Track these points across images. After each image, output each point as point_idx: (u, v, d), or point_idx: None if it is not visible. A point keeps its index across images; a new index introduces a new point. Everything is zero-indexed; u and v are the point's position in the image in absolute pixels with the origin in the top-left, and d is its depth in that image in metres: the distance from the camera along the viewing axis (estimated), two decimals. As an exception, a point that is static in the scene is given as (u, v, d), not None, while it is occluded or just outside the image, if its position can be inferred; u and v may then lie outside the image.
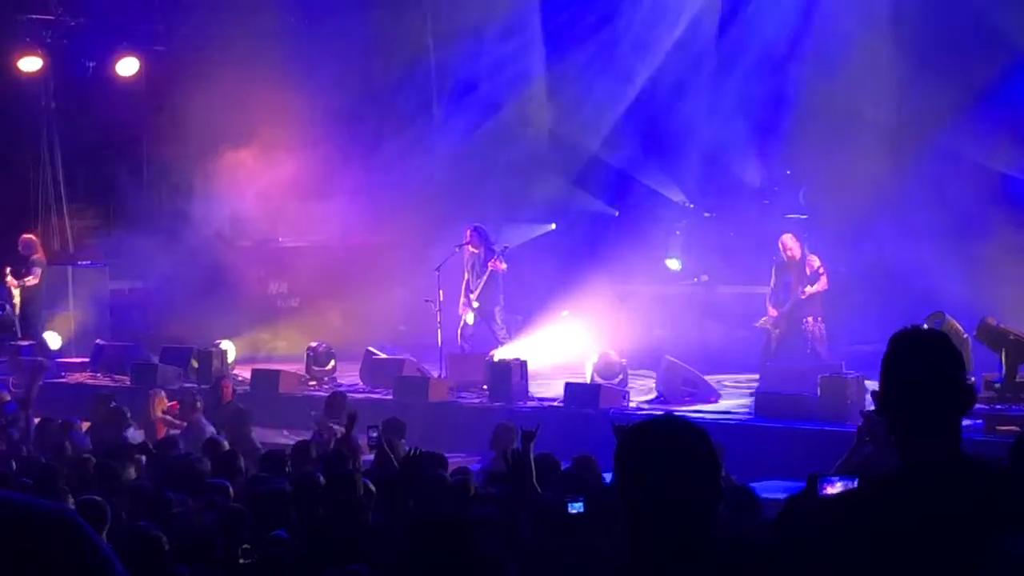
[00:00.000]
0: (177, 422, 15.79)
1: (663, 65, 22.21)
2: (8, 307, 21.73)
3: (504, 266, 18.94)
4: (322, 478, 9.36)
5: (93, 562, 1.91)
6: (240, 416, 15.04)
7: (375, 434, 11.63)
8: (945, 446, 3.56)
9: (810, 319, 17.21)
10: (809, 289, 17.18)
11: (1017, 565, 3.15)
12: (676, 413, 15.43)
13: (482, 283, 18.95)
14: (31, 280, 21.84)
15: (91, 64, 23.90)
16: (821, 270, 17.19)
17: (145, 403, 16.28)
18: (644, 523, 3.28)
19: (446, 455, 12.62)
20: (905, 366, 3.62)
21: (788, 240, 17.50)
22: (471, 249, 19.13)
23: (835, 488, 8.38)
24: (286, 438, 15.23)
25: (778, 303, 17.44)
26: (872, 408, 12.94)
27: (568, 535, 7.76)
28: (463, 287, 19.18)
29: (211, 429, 14.73)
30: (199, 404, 15.61)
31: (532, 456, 9.19)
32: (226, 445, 12.38)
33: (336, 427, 13.96)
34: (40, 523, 1.89)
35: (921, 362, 3.61)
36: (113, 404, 15.89)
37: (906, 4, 19.50)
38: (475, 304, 18.98)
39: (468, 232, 19.19)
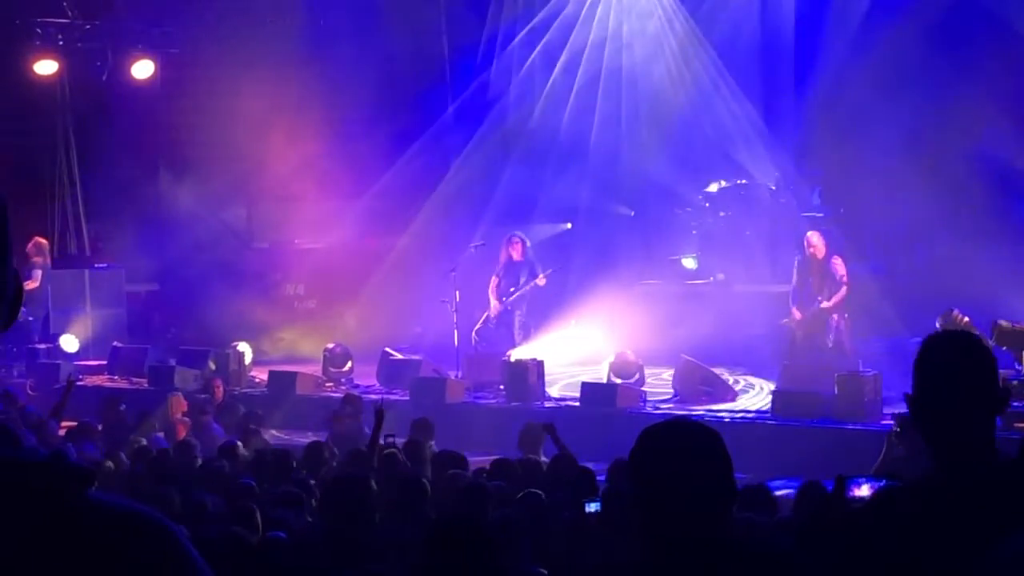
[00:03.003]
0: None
1: (677, 64, 22.21)
2: (23, 311, 21.74)
3: (544, 283, 19.10)
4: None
5: (182, 566, 1.92)
6: (248, 419, 15.06)
7: (390, 439, 11.68)
8: (977, 447, 3.51)
9: (836, 316, 17.15)
10: (826, 305, 17.09)
11: (1005, 568, 3.13)
12: (693, 412, 15.50)
13: (521, 291, 19.05)
14: (31, 284, 21.84)
15: (106, 67, 23.95)
16: (840, 275, 17.11)
17: (163, 405, 16.30)
18: (657, 524, 3.30)
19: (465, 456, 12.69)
20: (936, 366, 3.56)
21: (814, 237, 17.37)
22: (514, 256, 19.21)
23: (862, 490, 8.40)
24: (308, 439, 15.28)
25: (802, 306, 17.35)
26: (904, 411, 12.96)
27: (585, 535, 7.77)
28: (492, 287, 19.24)
29: (220, 431, 14.80)
30: (210, 409, 15.69)
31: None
32: (241, 449, 12.39)
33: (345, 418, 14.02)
34: (131, 525, 1.91)
35: (951, 362, 3.56)
36: (122, 407, 15.94)
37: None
38: (507, 303, 19.11)
39: (516, 240, 19.27)
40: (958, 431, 3.51)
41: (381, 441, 11.73)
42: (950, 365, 3.56)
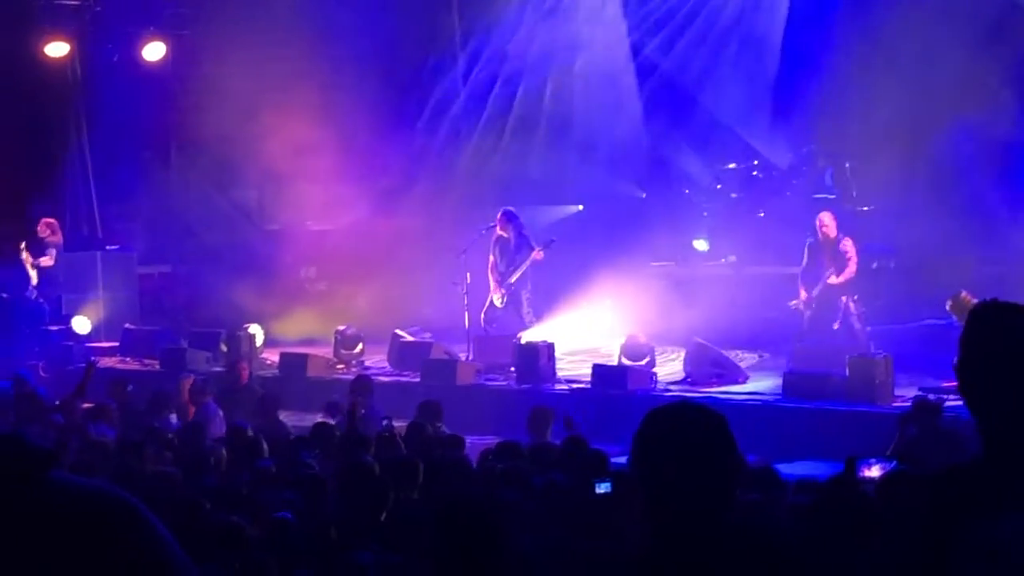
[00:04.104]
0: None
1: (690, 45, 22.16)
2: (34, 291, 21.80)
3: (542, 256, 18.95)
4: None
5: (146, 539, 1.91)
6: (266, 402, 15.04)
7: (385, 422, 11.70)
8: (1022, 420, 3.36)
9: (844, 297, 17.10)
10: (833, 280, 17.02)
11: (991, 554, 3.09)
12: (704, 394, 15.48)
13: (520, 270, 18.95)
14: (46, 260, 21.88)
15: (117, 49, 23.95)
16: (849, 256, 17.05)
17: (175, 387, 16.31)
18: (661, 506, 3.29)
19: (475, 438, 12.72)
20: (986, 340, 3.43)
21: (826, 217, 17.30)
22: (500, 232, 19.14)
23: (872, 471, 8.40)
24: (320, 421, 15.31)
25: (810, 285, 17.30)
26: (921, 394, 12.93)
27: (595, 517, 7.76)
28: (489, 268, 19.19)
29: (220, 414, 14.83)
30: (209, 390, 15.68)
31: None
32: (250, 431, 12.38)
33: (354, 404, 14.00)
34: (93, 503, 1.90)
35: (1003, 336, 3.42)
36: (130, 388, 15.96)
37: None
38: (509, 284, 19.00)
39: (499, 215, 19.21)
40: (1003, 403, 3.37)
41: (381, 429, 11.77)
42: (997, 335, 3.43)
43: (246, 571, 7.26)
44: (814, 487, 8.43)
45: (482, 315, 19.25)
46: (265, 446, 11.13)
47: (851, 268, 17.07)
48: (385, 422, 11.80)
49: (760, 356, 18.12)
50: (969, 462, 3.50)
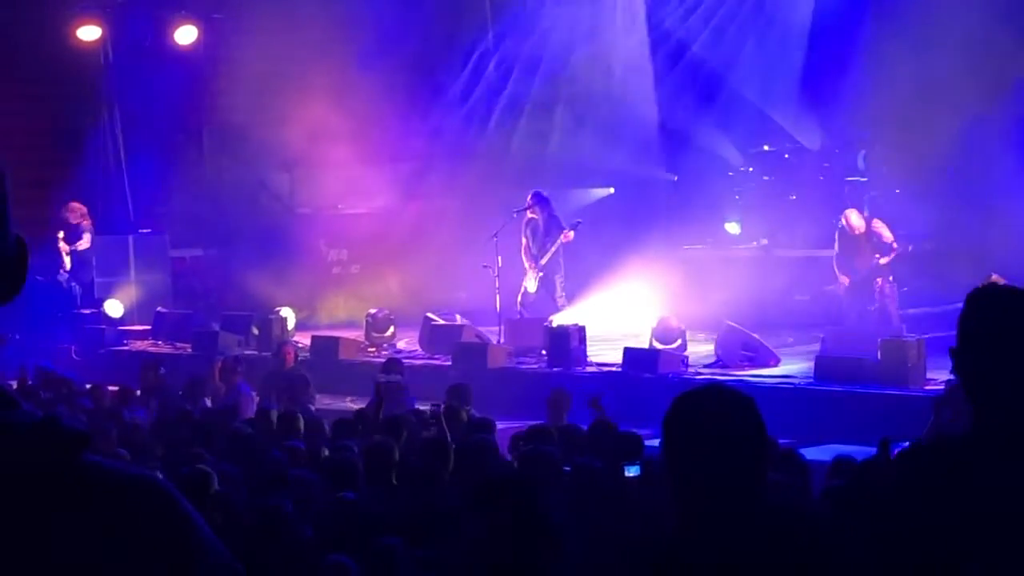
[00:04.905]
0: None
1: (720, 27, 22.08)
2: (65, 275, 21.93)
3: (572, 237, 18.96)
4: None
5: (180, 525, 1.91)
6: (300, 383, 15.07)
7: (432, 406, 11.70)
8: (1019, 404, 3.31)
9: (880, 280, 17.05)
10: (884, 261, 16.95)
11: None
12: (735, 377, 15.45)
13: (551, 253, 18.97)
14: (82, 244, 22.01)
15: (149, 32, 23.98)
16: (886, 237, 16.97)
17: (209, 370, 16.35)
18: (690, 491, 3.29)
19: (507, 422, 12.73)
20: (982, 322, 3.38)
21: (853, 218, 17.18)
22: (530, 214, 19.16)
23: (907, 453, 8.37)
24: (351, 403, 15.35)
25: (849, 271, 17.17)
26: (953, 377, 12.89)
27: (624, 500, 7.76)
28: (522, 251, 19.21)
29: (253, 395, 14.86)
30: (240, 369, 15.71)
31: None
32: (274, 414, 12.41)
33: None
34: (127, 488, 1.90)
35: (999, 318, 3.37)
36: (162, 371, 16.00)
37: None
38: (541, 266, 19.01)
39: (529, 197, 19.22)
40: (1000, 387, 3.32)
41: (426, 408, 11.79)
42: (994, 319, 3.38)
43: (280, 553, 7.28)
44: (847, 470, 8.42)
45: (518, 298, 19.26)
46: (300, 426, 11.17)
47: (893, 246, 16.97)
48: (433, 406, 11.81)
49: (790, 340, 18.05)
50: (960, 440, 3.46)
